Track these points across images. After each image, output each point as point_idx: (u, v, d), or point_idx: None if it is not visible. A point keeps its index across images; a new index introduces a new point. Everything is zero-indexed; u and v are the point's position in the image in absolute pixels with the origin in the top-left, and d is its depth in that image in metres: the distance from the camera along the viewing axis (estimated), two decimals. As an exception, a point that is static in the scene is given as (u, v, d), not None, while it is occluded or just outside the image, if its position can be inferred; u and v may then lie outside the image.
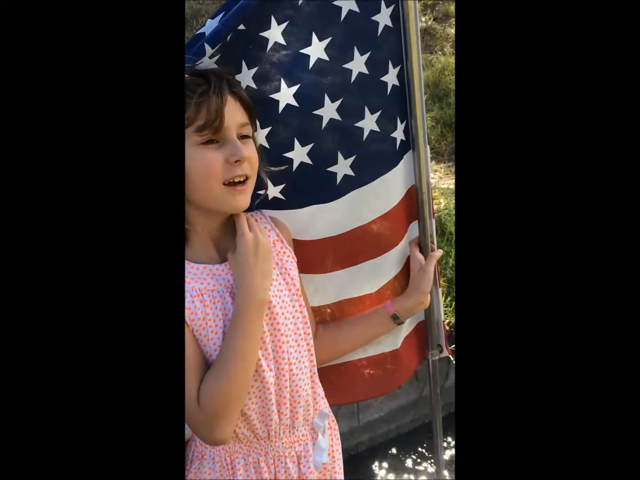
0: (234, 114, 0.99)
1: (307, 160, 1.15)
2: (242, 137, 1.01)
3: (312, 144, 1.14)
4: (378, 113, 1.16)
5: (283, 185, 1.16)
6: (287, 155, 1.14)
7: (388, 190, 1.22)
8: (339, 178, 1.18)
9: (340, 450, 1.26)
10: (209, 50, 0.98)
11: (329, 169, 1.17)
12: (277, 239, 1.14)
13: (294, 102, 1.10)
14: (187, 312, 1.01)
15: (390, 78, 1.16)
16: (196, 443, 1.14)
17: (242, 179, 1.00)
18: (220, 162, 0.98)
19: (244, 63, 1.06)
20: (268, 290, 1.04)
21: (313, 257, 1.23)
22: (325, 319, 1.30)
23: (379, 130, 1.17)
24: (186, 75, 0.97)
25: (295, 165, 1.15)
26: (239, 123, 1.00)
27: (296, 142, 1.13)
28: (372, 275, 1.27)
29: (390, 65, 1.15)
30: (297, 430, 1.13)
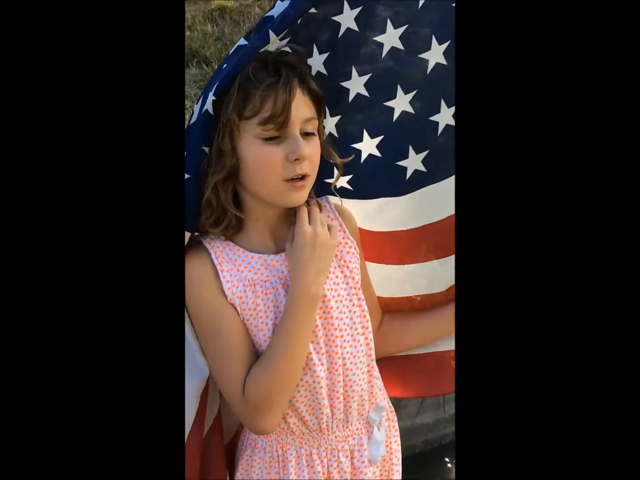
0: (300, 109, 0.96)
1: (376, 153, 1.10)
2: (306, 134, 0.98)
3: (382, 137, 1.09)
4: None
5: (350, 176, 1.12)
6: (356, 146, 1.10)
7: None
8: (409, 173, 1.12)
9: (398, 442, 1.24)
10: (273, 37, 0.95)
11: (399, 162, 1.11)
12: (340, 229, 1.10)
13: (364, 92, 1.05)
14: (238, 301, 1.01)
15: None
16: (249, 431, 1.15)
17: (300, 177, 0.98)
18: (280, 158, 0.96)
19: (315, 48, 1.02)
20: (322, 285, 1.02)
21: (382, 247, 1.19)
22: (391, 309, 1.25)
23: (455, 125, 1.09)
24: (256, 63, 0.96)
25: (363, 157, 1.10)
26: (304, 118, 0.97)
27: (365, 134, 1.08)
28: (440, 275, 1.20)
29: None
30: (351, 424, 1.12)
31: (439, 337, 1.24)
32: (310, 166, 0.99)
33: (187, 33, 3.58)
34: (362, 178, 1.12)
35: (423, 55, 1.04)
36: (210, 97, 0.95)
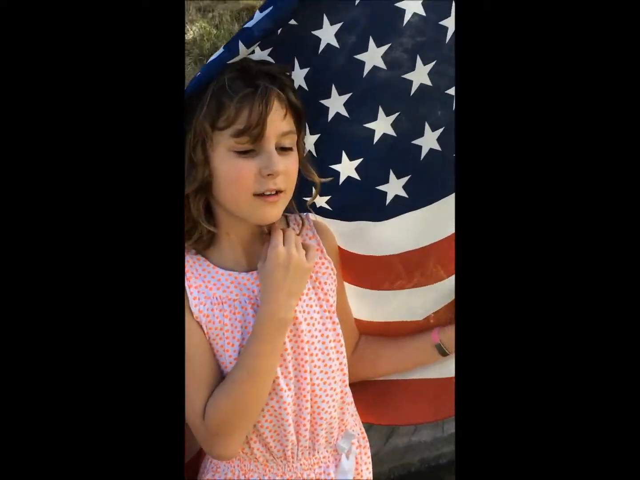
0: (277, 123, 0.92)
1: (355, 176, 1.05)
2: (282, 148, 0.94)
3: (362, 159, 1.04)
4: (440, 130, 1.03)
5: (329, 197, 1.07)
6: (334, 167, 1.04)
7: (445, 217, 1.08)
8: (389, 198, 1.06)
9: (370, 470, 1.19)
10: (243, 49, 0.90)
11: (379, 187, 1.06)
12: (318, 247, 1.06)
13: (344, 112, 1.00)
14: (204, 319, 0.97)
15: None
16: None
17: (273, 192, 0.93)
18: (253, 173, 0.91)
19: (296, 61, 0.98)
20: (293, 309, 0.98)
21: (359, 269, 1.14)
22: (367, 332, 1.21)
23: (440, 149, 1.04)
24: (233, 72, 0.91)
25: (342, 179, 1.05)
26: (280, 132, 0.92)
27: (344, 155, 1.03)
28: (419, 303, 1.16)
29: None
30: (318, 452, 1.07)
31: (414, 366, 1.20)
32: (286, 182, 0.94)
33: (214, 31, 3.56)
34: (340, 199, 1.07)
35: (407, 76, 0.98)
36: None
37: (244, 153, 0.91)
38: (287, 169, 0.94)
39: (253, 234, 1.02)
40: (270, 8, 0.91)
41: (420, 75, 0.98)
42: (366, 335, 1.21)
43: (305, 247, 1.00)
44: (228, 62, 0.91)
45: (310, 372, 1.03)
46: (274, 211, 0.95)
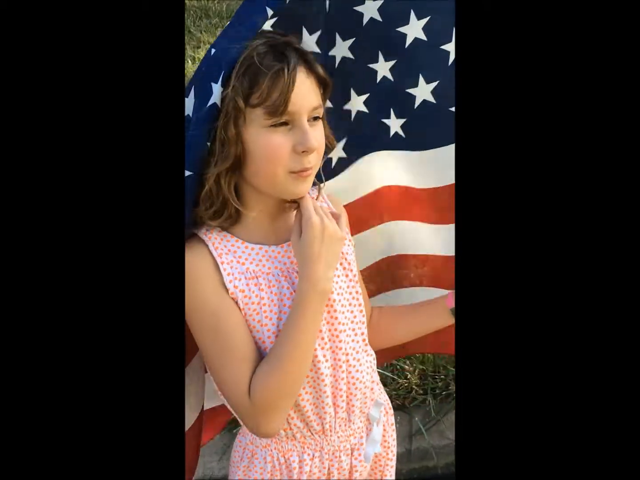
0: (308, 97, 0.93)
1: (364, 109, 1.20)
2: (314, 118, 0.95)
3: (368, 94, 1.19)
4: (434, 84, 1.18)
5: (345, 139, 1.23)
6: (346, 107, 1.20)
7: (443, 164, 1.23)
8: (391, 132, 1.23)
9: (394, 437, 1.23)
10: (270, 13, 0.96)
11: (384, 120, 1.22)
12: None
13: (349, 55, 1.15)
14: (240, 294, 0.97)
15: (452, 48, 1.16)
16: (247, 440, 1.12)
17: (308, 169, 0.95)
18: (288, 149, 0.92)
19: (304, 29, 1.07)
20: (331, 280, 0.98)
21: (366, 210, 1.29)
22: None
23: (434, 102, 1.19)
24: (261, 46, 0.92)
25: (353, 115, 1.21)
26: (311, 106, 0.94)
27: (352, 92, 1.19)
28: (420, 239, 1.30)
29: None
30: (353, 423, 1.10)
31: (430, 330, 1.21)
32: (317, 157, 0.96)
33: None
34: (354, 135, 1.22)
35: (401, 29, 1.14)
36: (218, 88, 0.91)
37: (278, 126, 0.92)
38: (320, 143, 0.96)
39: (278, 208, 1.03)
40: None
41: (414, 29, 1.15)
42: (379, 308, 1.26)
43: (335, 216, 1.01)
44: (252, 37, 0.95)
45: (344, 341, 1.04)
46: (305, 185, 0.97)
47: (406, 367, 2.23)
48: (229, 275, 0.97)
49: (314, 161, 0.96)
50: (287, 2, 1.00)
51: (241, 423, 1.08)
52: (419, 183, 1.28)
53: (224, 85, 0.91)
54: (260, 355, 0.98)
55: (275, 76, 0.90)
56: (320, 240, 0.95)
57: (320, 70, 0.97)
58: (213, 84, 0.92)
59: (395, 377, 2.21)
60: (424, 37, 1.14)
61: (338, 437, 1.08)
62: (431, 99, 1.18)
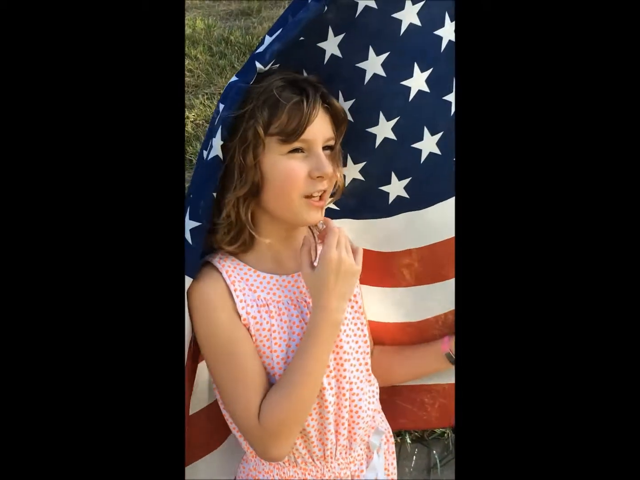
0: (322, 128, 0.99)
1: (360, 177, 1.11)
2: (326, 147, 1.00)
3: (365, 162, 1.10)
4: (440, 135, 1.09)
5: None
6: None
7: (445, 219, 1.13)
8: (391, 198, 1.12)
9: (395, 465, 1.21)
10: (260, 68, 0.98)
11: (382, 188, 1.12)
12: None
13: (349, 117, 1.06)
14: (252, 321, 1.00)
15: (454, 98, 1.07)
16: (250, 466, 1.12)
17: (320, 194, 1.00)
18: (304, 173, 0.97)
19: (304, 72, 1.06)
20: (344, 311, 1.01)
21: (371, 267, 1.18)
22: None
23: (439, 153, 1.09)
24: (281, 82, 0.98)
25: (348, 180, 1.12)
26: (326, 137, 1.00)
27: (349, 158, 1.10)
28: (416, 304, 1.20)
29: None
30: (354, 450, 1.10)
31: (426, 374, 1.22)
32: (329, 184, 1.01)
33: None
34: (349, 200, 1.14)
35: (405, 83, 1.05)
36: (218, 142, 0.96)
37: (294, 152, 0.97)
38: (334, 171, 1.00)
39: (289, 237, 1.06)
40: (280, 31, 0.99)
41: (418, 82, 1.05)
42: (380, 346, 1.25)
43: (353, 250, 1.02)
44: (271, 74, 0.99)
45: (349, 370, 1.06)
46: (318, 214, 1.01)
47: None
48: (241, 302, 1.00)
49: (327, 187, 1.00)
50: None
51: (245, 449, 1.10)
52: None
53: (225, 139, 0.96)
54: (269, 381, 1.00)
55: (296, 107, 0.96)
56: (336, 273, 0.97)
57: (336, 103, 1.02)
58: (214, 139, 0.96)
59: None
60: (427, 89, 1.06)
61: (338, 464, 1.08)
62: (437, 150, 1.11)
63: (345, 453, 1.08)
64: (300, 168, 0.97)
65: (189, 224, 0.97)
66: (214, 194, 0.98)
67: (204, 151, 0.99)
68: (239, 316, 1.00)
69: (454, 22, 1.03)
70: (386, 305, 1.22)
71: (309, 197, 0.98)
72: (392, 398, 1.27)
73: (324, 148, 1.00)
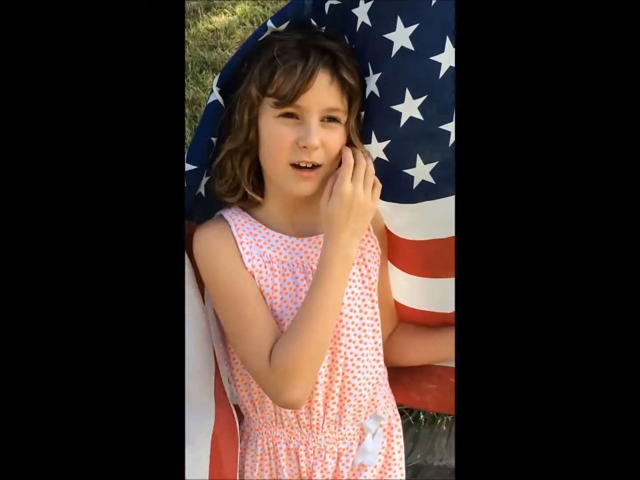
0: (322, 97, 0.95)
1: (384, 157, 1.04)
2: (329, 119, 0.96)
3: (389, 141, 1.03)
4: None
5: None
6: (365, 146, 1.04)
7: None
8: (415, 183, 1.05)
9: (403, 458, 1.18)
10: (271, 26, 0.97)
11: (406, 171, 1.05)
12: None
13: (376, 92, 1.00)
14: (257, 274, 1.00)
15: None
16: (245, 422, 1.13)
17: (309, 165, 0.96)
18: (290, 141, 0.95)
19: (345, 38, 1.02)
20: (356, 248, 0.99)
21: (400, 253, 1.15)
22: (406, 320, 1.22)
23: None
24: (288, 43, 0.96)
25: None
26: (326, 107, 0.96)
27: (373, 136, 1.03)
28: (445, 295, 1.12)
29: None
30: (344, 427, 1.09)
31: (445, 358, 1.18)
32: (325, 156, 0.97)
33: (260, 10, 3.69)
34: None
35: (435, 58, 0.97)
36: (215, 89, 0.97)
37: (286, 117, 0.95)
38: (327, 143, 0.96)
39: (300, 202, 1.03)
40: None
41: (448, 57, 0.97)
42: (402, 325, 1.21)
43: (373, 184, 0.98)
44: (285, 31, 0.98)
45: (345, 345, 1.04)
46: (308, 186, 0.98)
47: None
48: (247, 254, 1.00)
49: (318, 159, 0.96)
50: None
51: (242, 409, 1.10)
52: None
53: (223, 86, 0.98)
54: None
55: (289, 71, 0.93)
56: (349, 208, 0.95)
57: (348, 75, 0.97)
58: (214, 87, 0.98)
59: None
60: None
61: (325, 437, 1.07)
62: None
63: (334, 428, 1.07)
64: (288, 134, 0.95)
65: (186, 167, 0.98)
66: (213, 139, 0.99)
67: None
68: (245, 266, 0.99)
69: None
70: (413, 292, 1.16)
71: (296, 166, 0.96)
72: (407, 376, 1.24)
73: (328, 119, 0.96)
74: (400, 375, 1.22)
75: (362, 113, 1.03)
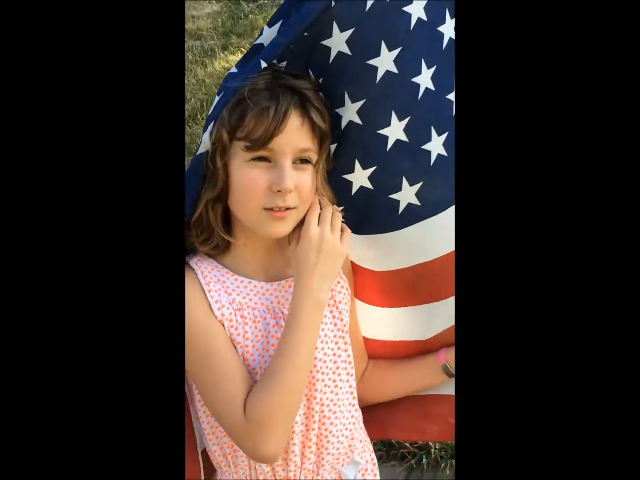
0: (294, 138, 0.93)
1: (368, 185, 1.03)
2: (301, 161, 0.94)
3: (375, 167, 1.02)
4: (445, 135, 1.03)
5: (341, 208, 1.04)
6: (346, 177, 1.02)
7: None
8: (401, 207, 1.04)
9: None
10: (264, 65, 0.93)
11: (392, 196, 1.03)
12: None
13: (357, 120, 0.99)
14: (227, 323, 0.96)
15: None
16: (218, 476, 1.08)
17: (282, 209, 0.94)
18: (264, 186, 0.92)
19: (310, 72, 0.98)
20: (327, 292, 0.96)
21: (372, 287, 1.11)
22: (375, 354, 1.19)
23: (446, 154, 1.03)
24: (254, 85, 0.92)
25: (354, 189, 1.03)
26: (298, 148, 0.93)
27: (357, 164, 1.01)
28: (427, 321, 1.12)
29: None
30: (322, 477, 1.04)
31: (422, 388, 1.17)
32: (298, 199, 0.94)
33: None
34: (353, 212, 1.04)
35: (415, 80, 0.99)
36: (206, 137, 0.95)
37: (258, 160, 0.92)
38: (300, 185, 0.93)
39: (269, 246, 1.01)
40: (281, 22, 0.94)
41: (425, 79, 0.99)
42: (374, 360, 1.18)
43: (342, 229, 0.98)
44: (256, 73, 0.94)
45: (321, 391, 1.00)
46: (282, 227, 0.95)
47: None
48: (216, 302, 0.96)
49: (292, 202, 0.94)
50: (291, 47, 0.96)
51: (215, 465, 1.06)
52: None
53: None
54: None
55: (260, 114, 0.91)
56: (317, 251, 0.94)
57: (316, 116, 0.95)
58: (204, 134, 0.95)
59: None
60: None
61: None
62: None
63: (311, 478, 1.03)
64: (261, 179, 0.92)
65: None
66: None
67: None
68: (214, 316, 0.95)
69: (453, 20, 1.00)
70: (391, 324, 1.14)
71: (268, 209, 0.93)
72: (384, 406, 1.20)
73: (301, 161, 0.94)
74: (378, 411, 1.19)
75: (333, 146, 1.01)
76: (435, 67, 0.99)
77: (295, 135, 0.92)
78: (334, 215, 0.97)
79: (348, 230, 0.99)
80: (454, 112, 1.02)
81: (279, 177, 0.91)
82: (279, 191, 0.91)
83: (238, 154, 0.93)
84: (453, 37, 1.00)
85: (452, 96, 1.02)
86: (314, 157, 0.96)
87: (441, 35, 1.00)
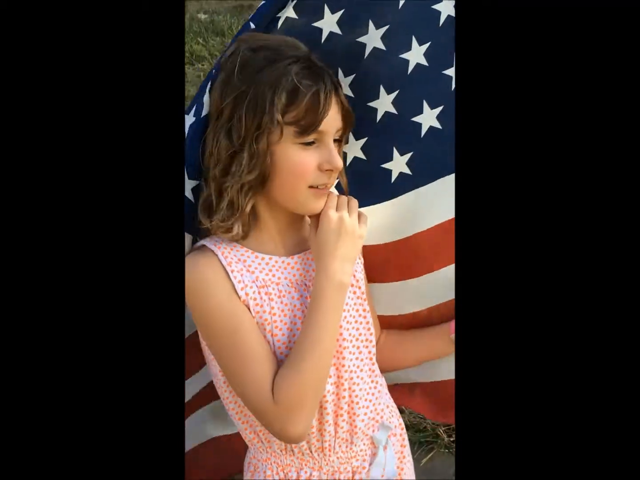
0: (335, 119, 0.96)
1: (361, 155, 1.10)
2: (335, 140, 0.98)
3: (366, 138, 1.09)
4: (439, 109, 1.08)
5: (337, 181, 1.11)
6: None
7: (450, 194, 1.09)
8: (394, 176, 1.10)
9: (412, 461, 1.17)
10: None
11: (384, 165, 1.10)
12: None
13: (349, 93, 1.06)
14: (252, 302, 0.96)
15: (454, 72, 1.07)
16: (252, 453, 1.09)
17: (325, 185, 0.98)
18: (314, 165, 0.95)
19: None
20: (349, 274, 0.98)
21: (372, 262, 1.17)
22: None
23: (440, 127, 1.08)
24: (301, 69, 0.94)
25: (349, 159, 1.11)
26: (337, 128, 0.97)
27: (351, 136, 1.09)
28: (426, 292, 1.17)
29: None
30: (355, 445, 1.05)
31: (431, 357, 1.20)
32: (335, 177, 1.00)
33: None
34: (350, 184, 1.11)
35: (404, 56, 1.05)
36: (206, 98, 0.98)
37: (307, 145, 0.95)
38: (341, 164, 0.98)
39: (290, 222, 1.03)
40: None
41: (416, 55, 1.05)
42: (387, 330, 1.22)
43: (358, 214, 1.00)
44: (293, 55, 0.95)
45: (347, 358, 1.02)
46: (321, 202, 0.98)
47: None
48: (239, 282, 0.96)
49: (334, 179, 1.00)
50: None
51: (246, 440, 1.08)
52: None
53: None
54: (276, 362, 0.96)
55: (314, 98, 0.93)
56: (336, 234, 0.96)
57: (344, 98, 1.00)
58: (204, 96, 0.97)
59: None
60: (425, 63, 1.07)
61: (338, 457, 1.04)
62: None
63: (346, 447, 1.04)
64: (312, 160, 0.95)
65: (190, 183, 0.98)
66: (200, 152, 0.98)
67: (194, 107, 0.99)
68: (238, 296, 0.96)
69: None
70: (395, 299, 1.19)
71: (314, 187, 0.97)
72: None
73: (334, 140, 0.98)
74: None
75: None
76: (429, 43, 1.05)
77: (334, 115, 0.96)
78: (350, 199, 1.00)
79: (364, 215, 1.01)
80: (452, 88, 1.07)
81: (329, 157, 0.95)
82: (328, 170, 0.95)
83: (287, 136, 0.93)
84: (452, 14, 1.05)
85: (449, 72, 1.07)
86: (342, 135, 1.01)
87: (437, 12, 1.05)
